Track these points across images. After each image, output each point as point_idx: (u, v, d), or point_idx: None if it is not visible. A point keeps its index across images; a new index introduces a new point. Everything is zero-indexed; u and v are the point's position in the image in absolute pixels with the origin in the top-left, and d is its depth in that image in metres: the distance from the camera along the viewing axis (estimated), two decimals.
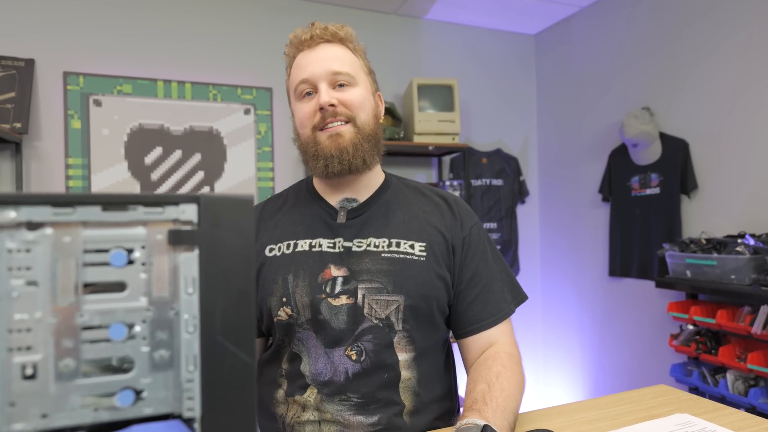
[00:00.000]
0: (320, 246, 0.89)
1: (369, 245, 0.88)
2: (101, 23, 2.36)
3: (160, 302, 0.36)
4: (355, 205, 0.92)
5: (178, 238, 0.36)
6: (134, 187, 2.39)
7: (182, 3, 2.50)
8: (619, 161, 2.68)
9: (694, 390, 2.09)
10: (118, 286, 0.35)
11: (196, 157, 2.51)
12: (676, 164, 2.36)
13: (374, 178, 0.95)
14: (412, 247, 0.88)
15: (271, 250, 0.91)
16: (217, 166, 2.55)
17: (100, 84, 2.35)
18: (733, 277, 1.88)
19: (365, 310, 0.85)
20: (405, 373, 0.86)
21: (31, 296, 0.33)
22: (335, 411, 0.83)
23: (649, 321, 2.56)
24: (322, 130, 0.87)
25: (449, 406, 0.94)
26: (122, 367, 0.36)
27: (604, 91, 2.82)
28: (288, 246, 0.90)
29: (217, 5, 2.57)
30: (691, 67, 2.34)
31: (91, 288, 0.35)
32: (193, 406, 0.36)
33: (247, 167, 2.61)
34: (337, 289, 0.85)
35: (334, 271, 0.86)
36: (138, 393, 0.36)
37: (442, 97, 2.71)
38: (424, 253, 0.88)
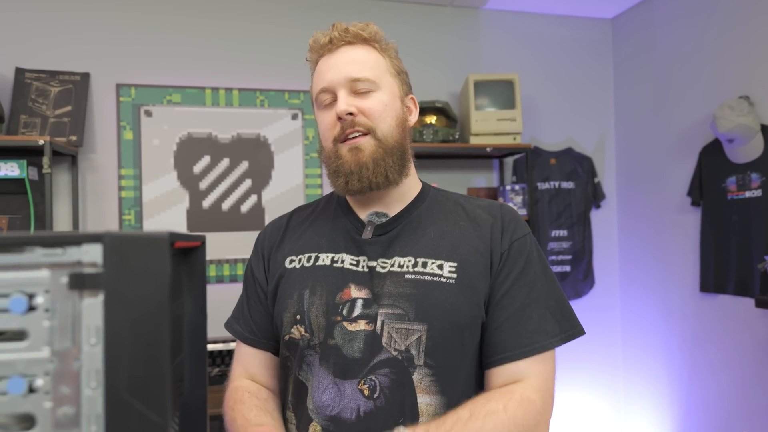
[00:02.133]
0: (342, 262, 0.85)
1: (393, 265, 0.82)
2: (151, 34, 2.50)
3: (64, 353, 0.34)
4: (384, 220, 0.88)
5: (80, 282, 0.34)
6: (183, 197, 2.50)
7: (228, 10, 2.59)
8: (712, 159, 2.44)
9: None
10: (18, 335, 0.34)
11: (244, 165, 2.58)
12: None
13: (408, 190, 0.90)
14: (440, 267, 0.81)
15: (291, 261, 0.88)
16: (265, 174, 2.61)
17: (150, 94, 2.48)
18: None
19: (384, 340, 0.78)
20: (425, 420, 0.77)
21: None
22: None
23: (748, 346, 2.29)
24: (343, 142, 0.84)
25: None
26: (21, 426, 0.34)
27: (693, 80, 2.58)
28: (309, 259, 0.87)
29: (262, 10, 2.64)
30: None
31: None
32: None
33: (295, 174, 2.64)
34: (356, 312, 0.80)
35: (354, 292, 0.81)
36: None
37: (501, 93, 2.61)
38: (455, 275, 0.81)
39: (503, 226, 0.86)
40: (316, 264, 0.86)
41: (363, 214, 0.89)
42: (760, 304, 1.97)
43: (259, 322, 0.91)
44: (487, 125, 2.56)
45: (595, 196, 3.03)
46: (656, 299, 2.81)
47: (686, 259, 2.63)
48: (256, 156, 2.60)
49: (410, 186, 0.91)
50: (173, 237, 0.35)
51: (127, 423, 0.34)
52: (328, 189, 2.65)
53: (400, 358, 0.78)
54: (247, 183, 2.59)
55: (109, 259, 0.34)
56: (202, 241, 0.42)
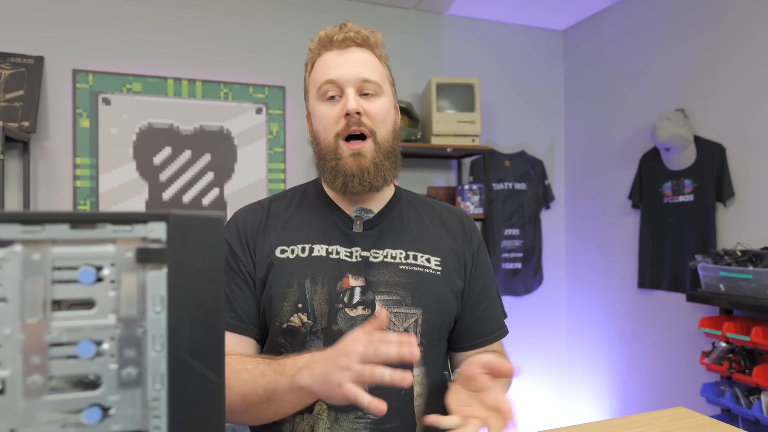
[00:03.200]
0: (338, 253, 0.89)
1: (386, 256, 0.90)
2: (111, 20, 2.43)
3: (129, 320, 0.38)
4: (370, 216, 0.94)
5: (146, 256, 0.37)
6: (143, 188, 2.45)
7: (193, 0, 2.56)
8: (651, 166, 2.64)
9: (726, 412, 2.04)
10: (87, 303, 0.37)
11: (206, 158, 2.56)
12: (712, 170, 2.31)
13: (387, 189, 0.98)
14: (428, 260, 0.91)
15: (283, 251, 0.90)
16: (228, 167, 2.60)
17: (109, 82, 2.41)
18: None
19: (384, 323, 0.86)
20: (417, 389, 0.88)
21: (0, 313, 0.35)
22: (350, 429, 0.82)
23: (680, 337, 2.51)
24: (346, 140, 0.87)
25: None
26: (90, 383, 0.37)
27: (636, 91, 2.77)
28: (303, 249, 0.90)
29: (230, 2, 2.62)
30: (729, 66, 2.29)
31: (60, 305, 0.37)
32: (159, 425, 0.37)
33: (258, 168, 2.64)
34: (355, 299, 0.87)
35: (352, 281, 0.88)
36: (105, 410, 0.37)
37: (462, 96, 2.71)
38: (440, 268, 0.92)
39: (469, 229, 1.00)
40: (312, 255, 0.89)
41: (348, 209, 0.94)
42: (690, 298, 2.16)
43: (245, 309, 0.89)
44: (448, 126, 2.65)
45: (545, 197, 3.19)
46: (599, 294, 3.01)
47: (626, 258, 2.82)
48: (218, 149, 2.58)
49: (389, 187, 0.98)
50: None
51: (188, 382, 0.38)
52: (291, 184, 2.67)
53: None
54: (209, 176, 2.57)
55: (173, 235, 0.37)
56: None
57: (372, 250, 0.91)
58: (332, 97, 0.89)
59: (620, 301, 2.87)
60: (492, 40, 3.14)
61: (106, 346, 0.37)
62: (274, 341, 0.89)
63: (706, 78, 2.40)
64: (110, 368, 0.37)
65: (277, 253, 0.90)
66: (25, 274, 0.36)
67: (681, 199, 2.47)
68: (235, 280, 0.90)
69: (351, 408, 0.82)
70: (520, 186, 3.12)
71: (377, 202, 0.96)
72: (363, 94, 0.89)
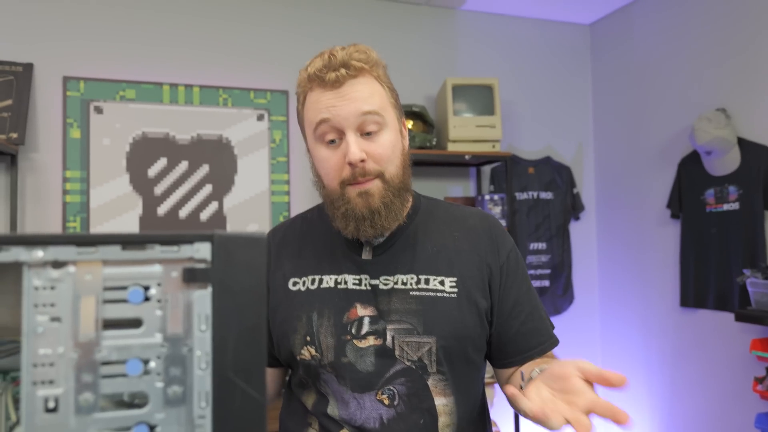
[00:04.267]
0: (345, 283, 0.96)
1: (396, 282, 0.95)
2: (103, 24, 2.52)
3: (174, 338, 0.43)
4: (381, 240, 0.98)
5: (192, 276, 0.43)
6: (136, 203, 2.52)
7: (188, 1, 2.65)
8: (691, 171, 2.67)
9: None
10: (135, 323, 0.42)
11: (204, 169, 2.63)
12: (758, 175, 2.35)
13: (398, 222, 1.00)
14: (442, 283, 0.95)
15: (294, 283, 0.99)
16: (227, 179, 2.67)
17: (101, 89, 2.50)
18: None
19: (396, 352, 0.92)
20: (444, 419, 0.93)
21: (54, 332, 0.41)
22: None
23: (728, 361, 2.52)
24: (351, 185, 0.91)
25: None
26: (136, 402, 0.42)
27: (673, 91, 2.82)
28: (313, 281, 0.98)
29: (227, 3, 2.71)
30: None
31: (110, 324, 0.42)
32: None
33: (260, 180, 2.71)
34: (364, 329, 0.93)
35: (360, 311, 0.93)
36: (152, 428, 0.42)
37: (480, 98, 2.76)
38: (455, 289, 0.94)
39: (498, 238, 1.01)
40: (321, 287, 0.97)
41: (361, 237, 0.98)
42: (739, 317, 2.18)
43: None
44: (466, 131, 2.71)
45: (574, 207, 3.23)
46: (636, 315, 3.03)
47: (666, 273, 2.85)
48: (217, 159, 2.65)
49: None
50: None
51: (232, 399, 0.42)
52: (295, 196, 2.73)
53: (414, 367, 0.92)
54: (208, 188, 2.64)
55: (218, 255, 0.43)
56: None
57: (382, 277, 0.95)
58: (332, 141, 0.91)
59: (660, 322, 2.88)
60: (512, 37, 3.20)
61: (153, 364, 0.42)
62: (295, 371, 0.99)
63: (749, 74, 2.44)
64: (157, 386, 0.42)
65: (290, 285, 0.99)
66: (77, 295, 0.41)
67: (725, 207, 2.50)
68: None
69: None
70: (546, 195, 3.16)
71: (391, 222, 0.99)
72: (365, 134, 0.90)
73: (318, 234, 1.03)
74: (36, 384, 0.40)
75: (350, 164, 0.88)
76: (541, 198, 3.16)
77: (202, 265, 0.43)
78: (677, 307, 2.77)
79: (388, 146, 0.91)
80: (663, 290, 2.87)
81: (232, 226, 2.62)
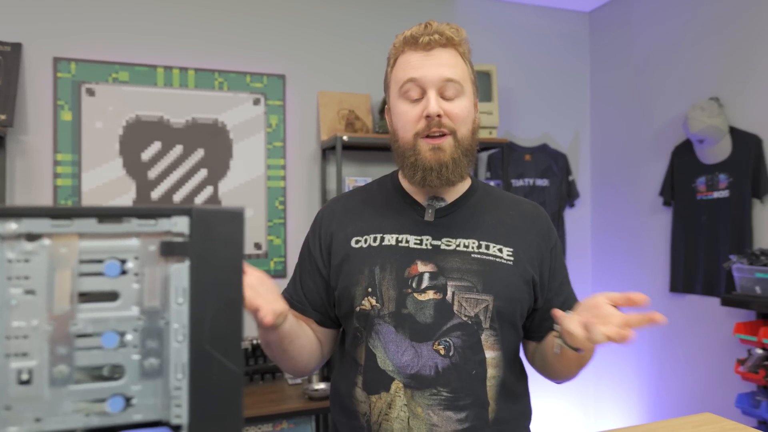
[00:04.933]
0: (407, 242, 1.04)
1: (459, 245, 1.03)
2: (95, 3, 2.49)
3: (151, 312, 0.43)
4: (443, 204, 1.07)
5: (170, 250, 0.42)
6: (130, 187, 2.51)
7: None
8: (684, 159, 2.67)
9: (763, 424, 2.08)
10: (111, 296, 0.42)
11: (199, 153, 2.62)
12: (748, 164, 2.35)
13: (462, 181, 1.10)
14: (500, 251, 1.04)
15: (357, 241, 1.06)
16: (222, 164, 2.65)
17: (93, 71, 2.48)
18: None
19: (455, 307, 1.00)
20: (491, 371, 1.01)
21: (28, 304, 0.40)
22: (426, 405, 0.96)
23: (714, 344, 2.54)
24: (424, 138, 1.00)
25: (527, 415, 1.10)
26: (113, 374, 0.42)
27: (668, 79, 2.81)
28: (375, 239, 1.06)
29: None
30: (766, 50, 2.32)
31: (86, 297, 0.42)
32: (181, 414, 0.42)
33: (256, 165, 2.70)
34: (424, 284, 1.00)
35: (421, 267, 1.01)
36: (128, 400, 0.42)
37: (478, 85, 2.74)
38: (512, 258, 1.04)
39: (547, 225, 1.12)
40: (383, 244, 1.04)
41: (421, 198, 1.08)
42: (725, 302, 2.20)
43: (308, 294, 1.10)
44: None
45: (569, 194, 3.23)
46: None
47: (657, 260, 2.86)
48: (212, 143, 2.64)
49: (464, 180, 1.12)
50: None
51: (209, 371, 0.42)
52: (292, 182, 2.72)
53: (470, 322, 1.00)
54: (203, 173, 2.62)
55: (196, 229, 0.42)
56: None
57: (444, 239, 1.04)
58: (414, 97, 1.00)
59: (651, 307, 2.88)
60: (511, 24, 3.18)
61: (129, 337, 0.42)
62: (350, 326, 1.06)
63: (742, 65, 2.43)
64: (133, 359, 0.42)
65: (352, 243, 1.06)
66: (52, 268, 0.41)
67: (716, 195, 2.51)
68: (306, 272, 1.12)
69: (426, 385, 0.96)
70: (542, 182, 3.16)
71: (451, 193, 1.08)
72: (446, 96, 0.99)
73: (378, 200, 1.12)
74: (9, 356, 0.40)
75: (428, 117, 0.97)
76: (537, 185, 3.16)
77: (179, 239, 0.43)
78: (667, 292, 2.79)
79: (464, 109, 1.00)
80: (654, 276, 2.88)
81: None
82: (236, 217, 0.43)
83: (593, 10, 3.32)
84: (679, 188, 2.69)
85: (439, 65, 0.99)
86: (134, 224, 0.42)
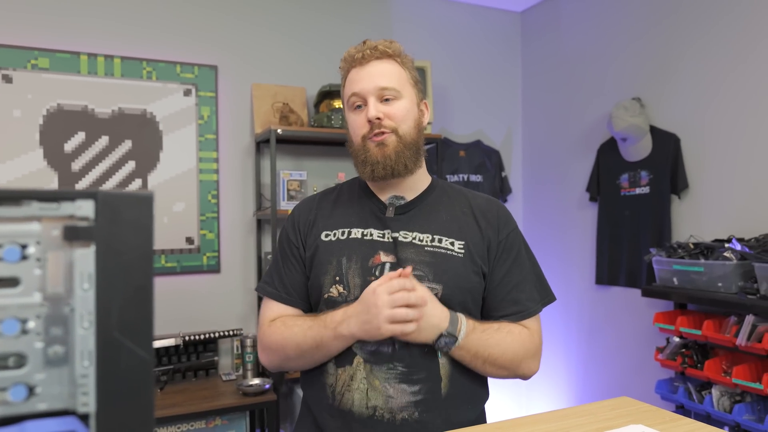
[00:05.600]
0: (371, 235, 1.16)
1: (414, 238, 1.15)
2: None
3: (55, 298, 0.42)
4: (402, 202, 1.20)
5: (74, 234, 0.41)
6: (51, 179, 2.40)
7: None
8: (608, 157, 2.81)
9: (680, 408, 2.22)
10: (11, 282, 0.41)
11: (126, 145, 2.53)
12: (667, 161, 2.50)
13: (420, 180, 1.22)
14: (452, 244, 1.15)
15: (326, 235, 1.19)
16: (152, 156, 2.57)
17: (10, 56, 2.34)
18: (720, 284, 2.02)
19: None
20: (440, 356, 1.11)
21: None
22: (383, 379, 1.08)
23: (636, 333, 2.69)
24: (371, 139, 1.14)
25: (481, 395, 1.19)
26: (14, 363, 0.41)
27: (595, 79, 2.95)
28: (343, 233, 1.18)
29: None
30: (685, 54, 2.48)
31: None
32: (88, 402, 0.42)
33: (187, 157, 2.63)
34: (386, 272, 1.10)
35: (383, 257, 1.13)
36: (31, 389, 0.41)
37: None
38: (463, 251, 1.15)
39: (499, 220, 1.21)
40: (350, 237, 1.17)
41: (383, 197, 1.20)
42: (645, 293, 2.33)
43: (294, 284, 1.19)
44: None
45: (502, 190, 3.33)
46: (557, 291, 3.13)
47: (584, 253, 3.00)
48: (141, 135, 2.55)
49: (421, 177, 1.23)
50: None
51: (118, 358, 0.42)
52: (225, 174, 2.68)
53: None
54: (131, 165, 2.54)
55: (102, 213, 0.42)
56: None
57: (402, 232, 1.16)
58: (359, 106, 1.16)
59: (578, 299, 3.04)
60: (445, 21, 3.24)
61: (31, 324, 0.41)
62: (319, 311, 1.16)
63: (662, 67, 2.58)
64: (36, 347, 0.41)
65: (322, 237, 1.19)
66: None
67: (638, 191, 2.65)
68: (289, 263, 1.21)
69: (384, 361, 1.08)
70: (476, 178, 3.25)
71: (410, 191, 1.21)
72: (384, 100, 1.14)
73: (347, 199, 1.24)
74: None
75: (369, 121, 1.12)
76: (471, 180, 3.24)
77: (84, 224, 0.42)
78: (593, 284, 2.93)
79: (402, 110, 1.14)
80: (581, 269, 3.02)
81: (158, 204, 2.54)
82: (145, 202, 0.43)
83: (525, 11, 3.43)
84: (605, 184, 2.83)
85: (375, 76, 1.14)
86: (35, 207, 0.41)
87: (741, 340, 1.89)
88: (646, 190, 2.61)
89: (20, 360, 0.41)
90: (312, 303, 1.20)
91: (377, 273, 1.11)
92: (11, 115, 2.35)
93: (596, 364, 2.93)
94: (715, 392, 2.04)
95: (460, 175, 3.21)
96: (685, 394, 2.18)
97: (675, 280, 2.21)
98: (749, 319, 1.88)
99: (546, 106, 3.28)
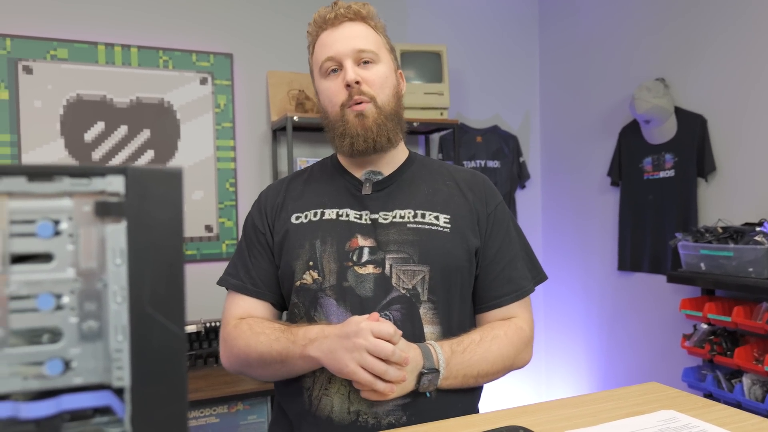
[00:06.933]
0: (347, 216, 1.06)
1: (395, 217, 1.06)
2: None
3: (88, 273, 0.42)
4: (380, 177, 1.10)
5: (105, 210, 0.42)
6: None
7: None
8: (631, 140, 2.77)
9: (709, 397, 2.19)
10: (45, 257, 0.41)
11: (145, 134, 2.55)
12: (693, 143, 2.45)
13: (398, 154, 1.13)
14: (437, 218, 1.06)
15: (297, 218, 1.08)
16: (170, 144, 2.59)
17: (30, 48, 2.37)
18: (750, 269, 1.98)
19: (393, 280, 1.02)
20: None
21: None
22: None
23: (661, 320, 2.66)
24: (350, 108, 1.04)
25: (473, 393, 1.09)
26: (50, 338, 0.42)
27: (616, 60, 2.90)
28: (315, 214, 1.08)
29: None
30: (711, 34, 2.42)
31: (19, 258, 0.41)
32: (122, 376, 0.42)
33: (205, 145, 2.65)
34: (364, 258, 1.02)
35: (361, 241, 1.04)
36: (67, 363, 0.42)
37: (429, 65, 2.77)
38: (449, 225, 1.06)
39: (486, 192, 1.13)
40: (323, 218, 1.06)
41: (358, 173, 1.11)
42: (671, 279, 2.30)
43: (261, 275, 1.09)
44: (414, 98, 2.71)
45: (520, 176, 3.30)
46: (577, 277, 3.15)
47: (605, 239, 2.96)
48: (159, 124, 2.57)
49: (399, 151, 1.14)
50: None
51: (150, 333, 0.42)
52: (243, 162, 2.69)
53: (408, 295, 1.02)
54: (150, 154, 2.56)
55: (132, 189, 0.42)
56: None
57: (381, 212, 1.06)
58: (334, 70, 1.06)
59: (599, 285, 3.01)
60: (460, 4, 3.21)
61: (66, 299, 0.42)
62: (291, 301, 1.07)
63: (687, 46, 2.53)
64: (71, 321, 0.42)
65: (293, 219, 1.08)
66: None
67: (662, 174, 2.61)
68: (256, 251, 1.10)
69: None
70: (493, 164, 3.22)
71: (388, 166, 1.12)
72: (363, 63, 1.05)
73: (318, 179, 1.15)
74: None
75: (347, 86, 1.03)
76: (488, 167, 3.22)
77: (115, 199, 0.42)
78: (615, 270, 2.90)
79: (381, 75, 1.06)
80: (602, 255, 2.99)
81: None
82: (174, 177, 0.43)
83: None
84: (627, 168, 2.79)
85: (351, 37, 1.05)
86: (67, 183, 0.41)
87: None
88: (670, 173, 2.57)
89: (56, 335, 0.42)
90: (284, 294, 1.09)
91: (354, 258, 1.02)
92: (32, 106, 2.38)
93: (619, 352, 2.91)
94: (746, 380, 2.02)
95: (477, 161, 3.19)
96: (714, 383, 2.15)
97: (702, 265, 2.18)
98: None
99: (565, 89, 3.23)
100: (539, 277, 1.15)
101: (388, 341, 0.88)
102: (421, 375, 0.93)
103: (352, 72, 1.03)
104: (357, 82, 1.03)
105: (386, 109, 1.06)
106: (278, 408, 1.11)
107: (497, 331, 1.04)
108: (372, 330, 0.87)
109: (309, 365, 0.96)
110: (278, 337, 0.98)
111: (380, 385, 0.86)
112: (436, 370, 0.94)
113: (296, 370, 0.98)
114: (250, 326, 1.03)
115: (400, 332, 0.91)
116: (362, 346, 0.86)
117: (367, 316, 0.92)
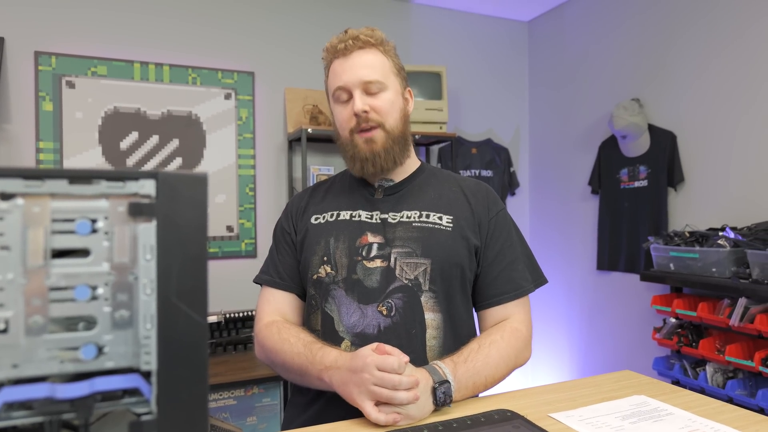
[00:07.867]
0: (359, 216, 1.06)
1: (402, 217, 1.05)
2: (75, 1, 2.38)
3: (121, 267, 0.42)
4: (391, 184, 1.10)
5: (138, 210, 0.42)
6: None
7: None
8: (609, 153, 2.76)
9: (676, 383, 2.18)
10: (83, 252, 0.41)
11: (174, 143, 2.55)
12: (664, 157, 2.45)
13: (409, 164, 1.12)
14: (440, 218, 1.05)
15: (316, 219, 1.10)
16: (196, 153, 2.59)
17: (73, 65, 2.38)
18: (714, 270, 1.97)
19: (396, 272, 1.01)
20: (431, 332, 1.00)
21: (3, 259, 0.39)
22: None
23: (634, 315, 2.65)
24: (359, 133, 1.04)
25: None
26: (86, 326, 0.42)
27: (597, 81, 2.89)
28: (332, 215, 1.09)
29: None
30: (681, 58, 2.41)
31: (59, 253, 0.41)
32: (150, 361, 0.42)
33: (228, 154, 2.65)
34: (373, 253, 1.02)
35: (371, 238, 1.03)
36: (100, 348, 0.42)
37: (430, 84, 2.76)
38: (451, 225, 1.05)
39: (489, 200, 1.11)
40: (338, 219, 1.07)
41: (373, 182, 1.11)
42: (643, 277, 2.29)
43: (287, 269, 1.10)
44: (416, 114, 2.71)
45: (510, 184, 3.29)
46: (561, 276, 3.14)
47: (586, 241, 2.95)
48: (187, 134, 2.57)
49: (410, 163, 1.13)
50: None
51: (176, 322, 0.42)
52: (261, 170, 2.69)
53: (410, 285, 1.01)
54: (178, 161, 2.56)
55: (162, 192, 0.42)
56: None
57: (391, 213, 1.06)
58: (344, 100, 1.05)
59: (580, 283, 3.00)
60: (459, 30, 3.20)
61: (100, 290, 0.41)
62: (308, 293, 1.07)
63: (658, 69, 2.52)
64: (104, 311, 0.42)
65: (312, 220, 1.10)
66: (26, 225, 0.39)
67: (636, 184, 2.60)
68: (283, 249, 1.12)
69: (369, 343, 0.93)
70: (487, 173, 3.21)
71: (399, 174, 1.11)
72: (369, 93, 1.03)
73: (338, 185, 1.16)
74: None
75: (356, 115, 1.02)
76: (482, 175, 3.21)
77: (147, 201, 0.42)
78: (594, 270, 2.89)
79: (387, 102, 1.04)
80: (583, 256, 2.98)
81: None
82: (200, 181, 0.43)
83: (532, 20, 3.37)
84: (605, 178, 2.78)
85: (359, 68, 1.02)
86: (103, 186, 0.41)
87: (734, 321, 1.85)
88: (644, 183, 2.56)
89: (90, 323, 0.42)
90: (304, 286, 1.09)
91: (364, 253, 1.01)
92: (74, 117, 2.38)
93: (597, 342, 2.89)
94: (709, 369, 2.00)
95: (473, 171, 3.18)
96: (680, 371, 2.14)
97: (672, 265, 2.17)
98: (742, 301, 1.84)
99: (551, 107, 3.23)
100: (539, 280, 1.11)
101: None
102: (434, 390, 0.87)
103: (360, 102, 1.01)
104: (365, 111, 1.01)
105: (394, 132, 1.05)
106: (295, 387, 1.08)
107: (494, 336, 1.00)
108: (377, 365, 0.82)
109: (325, 387, 0.93)
110: (300, 351, 0.95)
111: (383, 418, 0.81)
112: (447, 381, 0.88)
113: (314, 385, 0.96)
114: (278, 330, 1.01)
115: (407, 358, 0.85)
116: (369, 381, 0.82)
117: (374, 346, 0.86)
